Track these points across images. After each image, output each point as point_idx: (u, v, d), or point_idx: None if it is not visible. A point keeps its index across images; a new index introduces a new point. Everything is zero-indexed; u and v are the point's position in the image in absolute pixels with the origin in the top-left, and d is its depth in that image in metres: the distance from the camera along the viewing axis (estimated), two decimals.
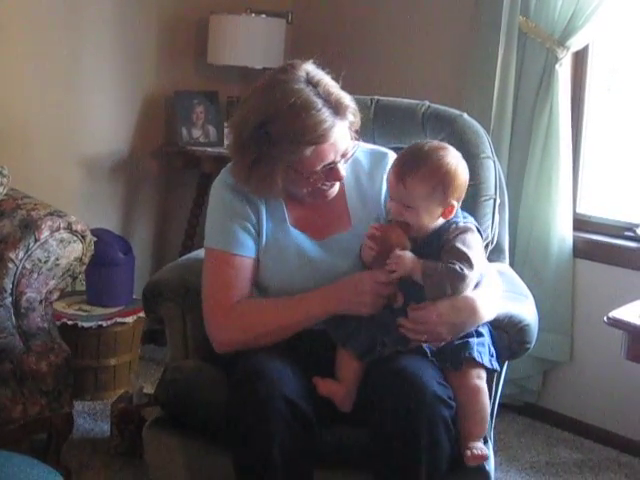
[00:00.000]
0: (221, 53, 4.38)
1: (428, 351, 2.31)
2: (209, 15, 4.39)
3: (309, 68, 2.42)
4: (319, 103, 2.34)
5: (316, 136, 2.34)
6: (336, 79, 2.45)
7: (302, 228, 2.53)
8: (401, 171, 2.34)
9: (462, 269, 2.28)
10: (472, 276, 2.32)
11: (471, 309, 2.37)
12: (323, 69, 2.44)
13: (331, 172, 2.42)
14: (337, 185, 2.50)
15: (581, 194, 3.90)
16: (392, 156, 2.62)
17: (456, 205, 2.39)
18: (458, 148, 2.47)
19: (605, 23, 3.62)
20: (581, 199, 3.90)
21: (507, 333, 2.48)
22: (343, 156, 2.43)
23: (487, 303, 2.41)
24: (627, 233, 3.72)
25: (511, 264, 3.17)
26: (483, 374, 2.35)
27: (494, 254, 2.95)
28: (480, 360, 2.32)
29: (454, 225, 2.37)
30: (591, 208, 3.90)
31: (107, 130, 4.41)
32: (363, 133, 2.56)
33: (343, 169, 2.44)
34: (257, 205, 2.51)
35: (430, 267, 2.29)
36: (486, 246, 2.87)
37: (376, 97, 3.01)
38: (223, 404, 2.31)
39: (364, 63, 4.46)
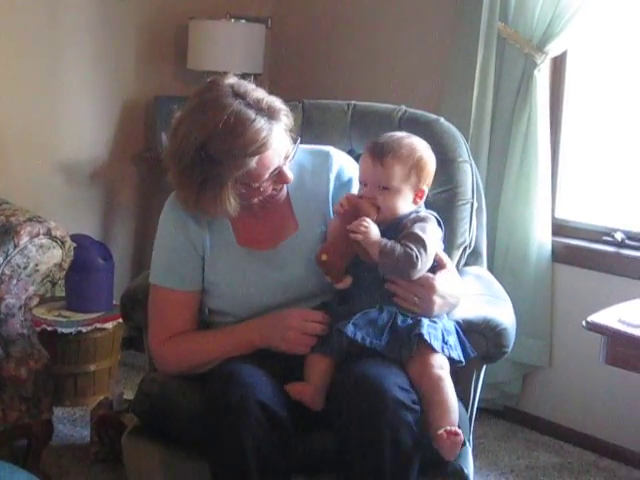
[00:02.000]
0: (201, 58, 4.37)
1: (380, 347, 2.29)
2: (189, 20, 4.39)
3: (232, 81, 2.41)
4: (252, 113, 2.33)
5: (257, 146, 2.32)
6: (264, 86, 2.46)
7: (251, 244, 2.53)
8: (380, 152, 2.39)
9: (417, 257, 2.29)
10: (424, 264, 2.33)
11: (459, 295, 2.46)
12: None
13: (279, 176, 2.42)
14: (285, 187, 2.51)
15: (560, 199, 3.92)
16: (335, 153, 2.64)
17: (426, 191, 2.44)
18: (435, 152, 2.48)
19: (583, 29, 3.64)
20: (560, 204, 3.92)
21: (485, 337, 2.49)
22: (286, 158, 2.43)
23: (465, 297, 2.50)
24: (606, 238, 3.73)
25: (490, 269, 3.18)
26: (445, 364, 2.33)
27: (472, 258, 2.96)
28: (428, 340, 2.29)
29: (414, 214, 2.41)
30: (570, 213, 3.92)
31: (87, 135, 4.40)
32: (340, 137, 2.57)
33: (289, 171, 2.45)
34: (200, 234, 2.52)
35: (388, 247, 2.29)
36: (464, 250, 2.89)
37: (353, 102, 3.02)
38: (200, 414, 2.31)
39: (343, 68, 4.47)
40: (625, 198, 3.80)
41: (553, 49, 3.67)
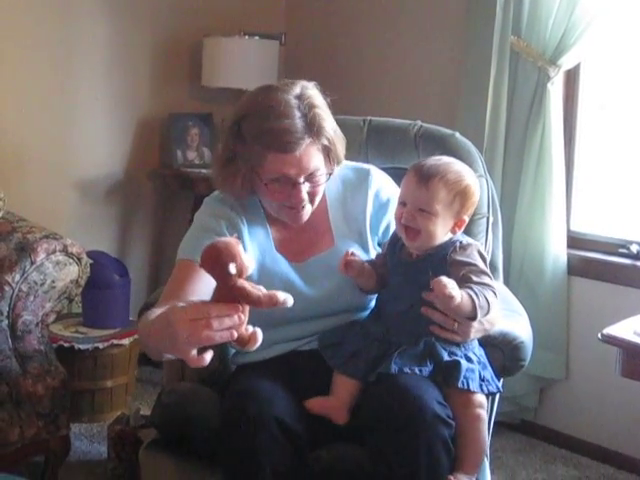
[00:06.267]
0: (215, 75, 4.40)
1: (426, 373, 2.27)
2: (203, 38, 4.42)
3: (307, 85, 2.41)
4: (296, 115, 2.32)
5: (280, 143, 2.31)
6: (330, 105, 2.43)
7: (284, 251, 2.50)
8: (426, 174, 2.29)
9: (495, 294, 2.26)
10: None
11: (495, 321, 2.38)
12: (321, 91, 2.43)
13: (292, 190, 2.37)
14: (308, 208, 2.44)
15: (575, 212, 3.92)
16: (375, 172, 2.61)
17: (466, 221, 2.37)
18: None
19: (596, 41, 3.65)
20: (575, 217, 3.92)
21: (502, 351, 2.48)
22: (309, 180, 2.38)
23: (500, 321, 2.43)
24: (621, 250, 3.73)
25: (506, 282, 3.17)
26: (484, 401, 2.31)
27: None
28: (467, 387, 2.26)
29: (458, 243, 2.33)
30: (585, 225, 3.92)
31: (102, 152, 4.42)
32: (357, 153, 2.57)
33: (305, 192, 2.39)
34: (238, 229, 2.46)
35: (480, 302, 2.22)
36: None
37: (369, 117, 3.02)
38: (219, 426, 2.29)
39: (357, 83, 4.48)
40: None
41: (566, 62, 3.67)
